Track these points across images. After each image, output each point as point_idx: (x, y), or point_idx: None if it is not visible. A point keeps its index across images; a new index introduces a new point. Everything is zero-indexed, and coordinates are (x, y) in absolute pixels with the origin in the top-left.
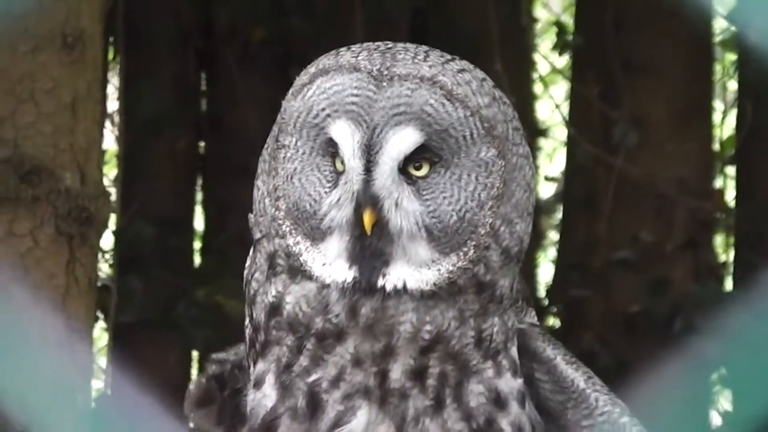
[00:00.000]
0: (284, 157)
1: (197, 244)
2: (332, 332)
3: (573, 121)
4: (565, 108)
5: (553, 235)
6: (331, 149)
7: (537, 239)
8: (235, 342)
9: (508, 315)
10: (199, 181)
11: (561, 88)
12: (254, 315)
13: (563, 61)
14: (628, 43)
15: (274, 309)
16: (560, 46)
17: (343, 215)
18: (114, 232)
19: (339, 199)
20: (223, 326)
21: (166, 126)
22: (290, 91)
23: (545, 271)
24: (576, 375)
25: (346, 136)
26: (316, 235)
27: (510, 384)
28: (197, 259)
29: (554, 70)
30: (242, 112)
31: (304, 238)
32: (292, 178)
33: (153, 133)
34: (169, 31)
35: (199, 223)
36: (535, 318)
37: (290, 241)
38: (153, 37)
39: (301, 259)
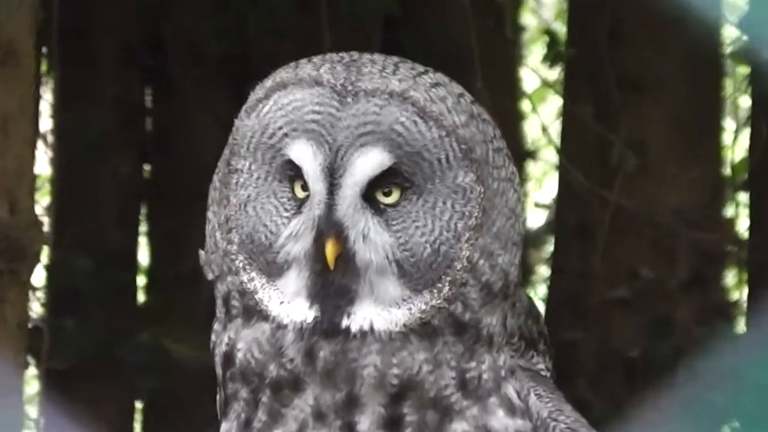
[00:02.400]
0: (237, 183)
1: (141, 280)
2: (288, 381)
3: (565, 143)
4: (556, 128)
5: (544, 270)
6: (289, 173)
7: (525, 274)
8: (184, 392)
9: (500, 353)
10: (144, 210)
11: (552, 106)
12: (216, 371)
13: (554, 74)
14: (626, 55)
15: (227, 359)
16: (551, 58)
17: (303, 247)
18: (47, 267)
19: (298, 230)
20: (170, 373)
21: (106, 148)
22: (243, 108)
23: None
24: (540, 405)
25: (307, 157)
26: (273, 270)
27: (504, 422)
28: (141, 297)
29: (544, 85)
30: (194, 133)
31: (259, 273)
32: (245, 207)
33: (91, 156)
34: (111, 45)
35: (143, 256)
36: (540, 362)
37: (244, 277)
38: (92, 50)
39: (256, 297)
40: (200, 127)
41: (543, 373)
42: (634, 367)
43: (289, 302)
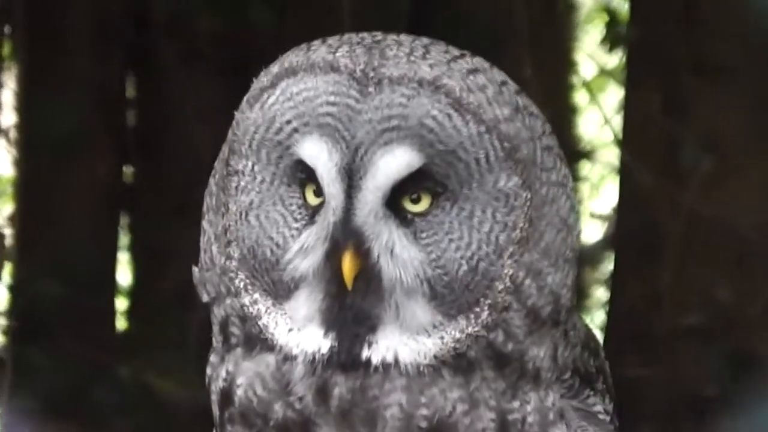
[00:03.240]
0: (237, 188)
1: (121, 304)
2: (297, 423)
3: (628, 141)
4: (617, 122)
5: (601, 293)
6: (299, 175)
7: (580, 298)
8: None
9: (548, 392)
10: (124, 220)
11: (612, 97)
12: (212, 411)
13: (615, 60)
14: (700, 37)
15: (225, 396)
16: (611, 41)
17: (316, 263)
18: (10, 288)
19: (310, 243)
20: (155, 413)
21: (80, 145)
22: (245, 99)
23: None
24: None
25: (320, 157)
26: (280, 291)
27: None
28: (121, 324)
29: (603, 73)
30: (184, 127)
31: (263, 295)
32: (247, 215)
33: (62, 155)
34: (86, 22)
35: (123, 275)
36: (597, 403)
37: (245, 299)
38: (64, 28)
39: (259, 323)
40: (192, 120)
41: (600, 416)
42: (709, 409)
43: (298, 329)
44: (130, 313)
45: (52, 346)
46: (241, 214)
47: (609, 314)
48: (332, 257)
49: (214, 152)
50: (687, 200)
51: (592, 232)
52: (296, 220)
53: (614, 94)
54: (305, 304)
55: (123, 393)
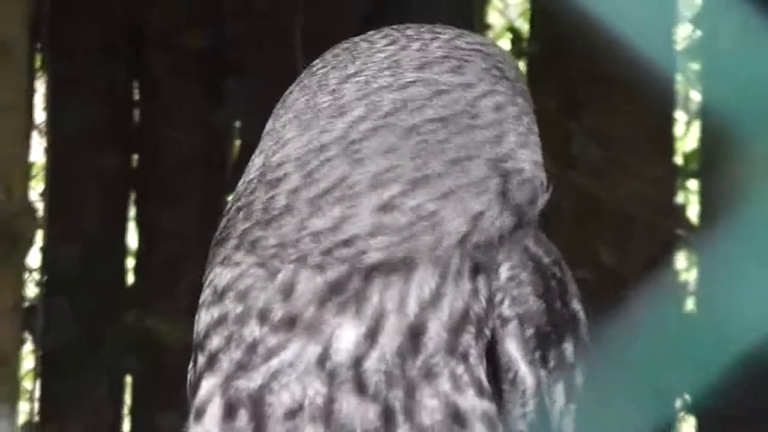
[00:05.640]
0: None
1: (129, 264)
2: None
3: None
4: None
5: None
6: None
7: None
8: (167, 369)
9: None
10: (132, 197)
11: None
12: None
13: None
14: (588, 53)
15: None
16: (515, 54)
17: None
18: (41, 250)
19: None
20: (153, 350)
21: (94, 139)
22: None
23: None
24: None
25: None
26: None
27: (472, 402)
28: (128, 280)
29: None
30: (174, 126)
31: None
32: None
33: (81, 146)
34: (97, 39)
35: (132, 241)
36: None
37: None
38: (79, 44)
39: None
40: (180, 122)
41: None
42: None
43: None
44: (136, 272)
45: (73, 297)
46: None
47: None
48: None
49: (195, 149)
50: (577, 182)
51: None
52: None
53: None
54: None
55: (129, 335)
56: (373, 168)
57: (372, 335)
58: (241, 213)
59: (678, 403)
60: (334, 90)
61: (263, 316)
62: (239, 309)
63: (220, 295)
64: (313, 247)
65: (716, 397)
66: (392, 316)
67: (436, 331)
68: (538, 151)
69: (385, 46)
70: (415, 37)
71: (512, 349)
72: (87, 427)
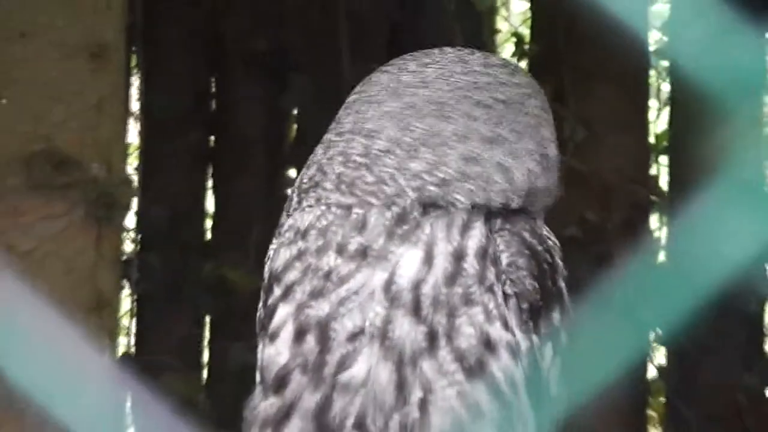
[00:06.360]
0: None
1: (207, 224)
2: None
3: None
4: None
5: None
6: None
7: None
8: (239, 310)
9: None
10: (210, 170)
11: None
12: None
13: (522, 66)
14: (578, 51)
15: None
16: (519, 54)
17: None
18: (136, 213)
19: None
20: (227, 296)
21: (178, 123)
22: None
23: None
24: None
25: None
26: None
27: (500, 333)
28: (206, 236)
29: None
30: (243, 112)
31: None
32: None
33: (167, 130)
34: (180, 41)
35: (210, 205)
36: None
37: None
38: (166, 46)
39: None
40: (248, 109)
41: None
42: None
43: None
44: (212, 230)
45: (161, 251)
46: None
47: None
48: None
49: (261, 129)
50: (566, 158)
51: None
52: None
53: None
54: None
55: (206, 281)
56: (459, 126)
57: (428, 260)
58: (338, 160)
59: (651, 336)
60: (415, 71)
61: (340, 249)
62: (320, 242)
63: (302, 234)
64: (407, 184)
65: (681, 331)
66: (441, 243)
67: (472, 256)
68: (556, 152)
69: (451, 52)
70: (476, 51)
71: (511, 320)
72: (174, 356)
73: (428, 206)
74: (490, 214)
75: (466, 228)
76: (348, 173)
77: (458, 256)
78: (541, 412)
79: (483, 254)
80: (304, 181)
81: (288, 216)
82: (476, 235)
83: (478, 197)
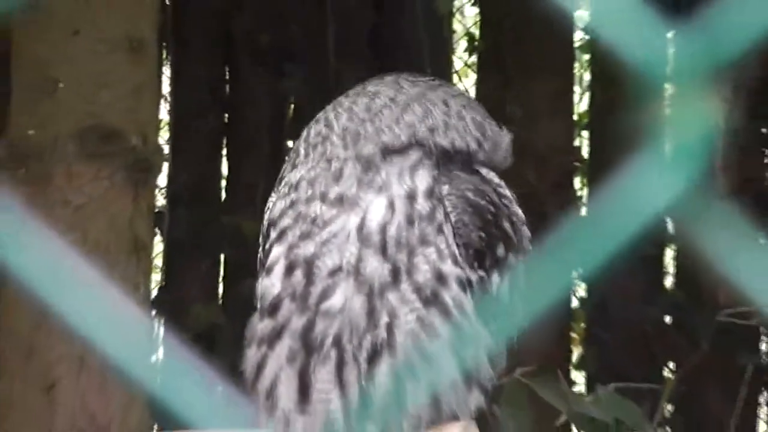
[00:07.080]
0: None
1: (224, 184)
2: None
3: (479, 101)
4: (472, 94)
5: None
6: None
7: None
8: (249, 251)
9: None
10: (225, 141)
11: (471, 80)
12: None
13: (473, 59)
14: (520, 47)
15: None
16: (470, 50)
17: None
18: (167, 176)
19: None
20: (242, 244)
21: (200, 105)
22: None
23: None
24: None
25: None
26: None
27: (450, 268)
28: (224, 195)
29: (466, 66)
30: (254, 98)
31: None
32: None
33: (191, 110)
34: (201, 37)
35: (225, 170)
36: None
37: None
38: (189, 42)
39: None
40: (255, 93)
41: None
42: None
43: None
44: (227, 190)
45: (187, 206)
46: None
47: None
48: None
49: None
50: (512, 132)
51: None
52: None
53: (472, 78)
54: None
55: (224, 230)
56: (438, 95)
57: (391, 206)
58: (343, 117)
59: (574, 274)
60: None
61: (323, 197)
62: (309, 192)
63: (295, 187)
64: (401, 132)
65: (598, 270)
66: (395, 186)
67: (421, 196)
68: (503, 137)
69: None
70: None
71: (460, 258)
72: (197, 290)
73: (388, 153)
74: (438, 166)
75: (414, 169)
76: (353, 128)
77: (410, 197)
78: (492, 330)
79: (430, 193)
80: (309, 140)
81: (293, 168)
82: (424, 175)
83: (457, 141)
